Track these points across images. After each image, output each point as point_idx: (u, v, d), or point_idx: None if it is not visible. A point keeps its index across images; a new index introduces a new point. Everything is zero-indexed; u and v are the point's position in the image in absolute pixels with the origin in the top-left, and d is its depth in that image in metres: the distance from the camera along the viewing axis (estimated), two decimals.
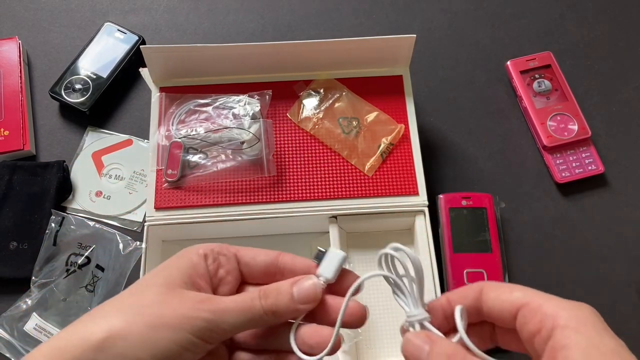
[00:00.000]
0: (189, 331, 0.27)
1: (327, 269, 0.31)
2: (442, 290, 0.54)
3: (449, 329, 0.30)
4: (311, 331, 0.31)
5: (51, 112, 0.68)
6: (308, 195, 0.56)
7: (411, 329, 0.30)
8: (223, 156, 0.57)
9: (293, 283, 0.31)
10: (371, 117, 0.59)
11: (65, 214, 0.61)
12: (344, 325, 0.31)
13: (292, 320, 0.32)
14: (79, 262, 0.58)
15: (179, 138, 0.57)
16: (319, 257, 0.31)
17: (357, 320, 0.31)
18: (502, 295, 0.28)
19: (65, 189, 0.63)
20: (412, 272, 0.30)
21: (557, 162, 0.64)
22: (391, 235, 0.60)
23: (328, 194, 0.56)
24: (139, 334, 0.27)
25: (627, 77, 0.70)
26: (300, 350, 0.31)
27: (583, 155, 0.65)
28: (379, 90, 0.61)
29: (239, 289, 0.33)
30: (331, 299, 0.31)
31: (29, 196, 0.61)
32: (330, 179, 0.57)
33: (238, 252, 0.32)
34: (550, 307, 0.25)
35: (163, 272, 0.30)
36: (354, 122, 0.59)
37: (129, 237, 0.61)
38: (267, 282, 0.32)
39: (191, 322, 0.27)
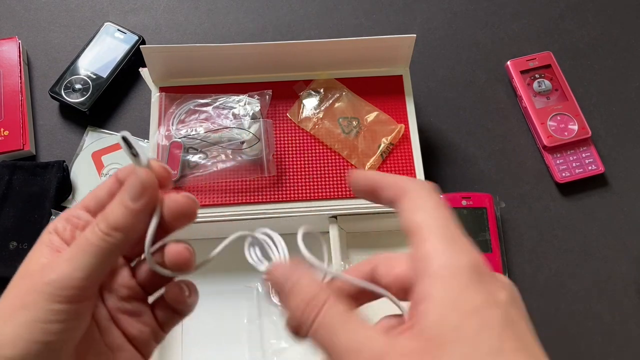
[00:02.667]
0: (41, 303, 0.25)
1: (141, 155, 0.27)
2: None
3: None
4: (168, 248, 0.28)
5: (51, 112, 0.68)
6: (308, 195, 0.56)
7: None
8: (223, 156, 0.57)
9: (123, 189, 0.27)
10: (371, 117, 0.59)
11: None
12: (176, 221, 0.28)
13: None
14: None
15: (179, 138, 0.57)
16: (133, 151, 0.27)
17: (186, 211, 0.28)
18: (408, 213, 0.25)
19: (65, 189, 0.63)
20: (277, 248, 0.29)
21: (557, 162, 0.64)
22: (391, 235, 0.60)
23: (328, 194, 0.56)
24: (2, 334, 0.25)
25: (627, 76, 0.70)
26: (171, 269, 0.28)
27: (583, 155, 0.65)
28: (379, 90, 0.61)
29: None
30: (170, 199, 0.28)
31: (29, 196, 0.61)
32: (330, 179, 0.57)
33: (82, 203, 0.30)
34: (432, 246, 0.23)
35: (22, 266, 0.28)
36: (354, 122, 0.59)
37: None
38: None
39: (38, 292, 0.25)
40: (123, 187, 0.27)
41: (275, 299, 0.27)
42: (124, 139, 0.26)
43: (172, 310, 0.31)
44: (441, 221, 0.24)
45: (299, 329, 0.24)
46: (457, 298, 0.21)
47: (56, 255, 0.27)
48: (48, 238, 0.28)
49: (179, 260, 0.28)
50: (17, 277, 0.27)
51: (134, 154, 0.27)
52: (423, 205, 0.25)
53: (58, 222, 0.29)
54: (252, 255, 0.30)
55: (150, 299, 0.31)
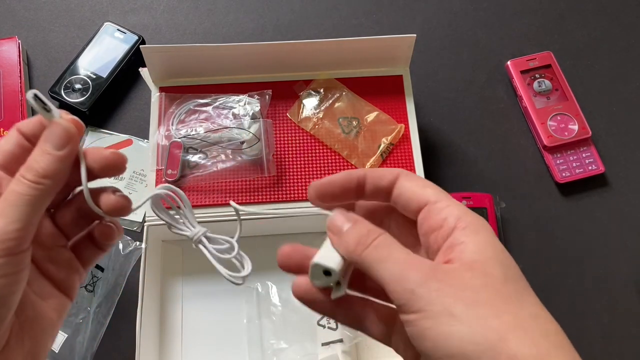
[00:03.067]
0: None
1: (53, 109, 0.28)
2: None
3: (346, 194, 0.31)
4: (108, 196, 0.30)
5: None
6: None
7: (200, 246, 0.33)
8: (223, 156, 0.57)
9: (43, 139, 0.28)
10: (371, 117, 0.59)
11: None
12: (104, 172, 0.30)
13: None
14: None
15: (179, 138, 0.57)
16: (46, 107, 0.28)
17: (112, 164, 0.30)
18: (415, 187, 0.29)
19: None
20: (183, 204, 0.33)
21: (558, 162, 0.64)
22: None
23: None
24: None
25: (627, 76, 0.70)
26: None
27: (583, 155, 0.64)
28: (379, 90, 0.61)
29: None
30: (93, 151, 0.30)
31: None
32: None
33: None
34: (456, 210, 0.27)
35: None
36: (354, 122, 0.59)
37: (128, 237, 0.60)
38: None
39: None
40: (43, 138, 0.28)
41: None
42: (35, 96, 0.27)
43: (96, 248, 0.33)
44: (446, 194, 0.28)
45: (355, 248, 0.27)
46: (488, 241, 0.26)
47: None
48: None
49: (118, 206, 0.30)
50: None
51: (47, 110, 0.28)
52: (425, 183, 0.29)
53: None
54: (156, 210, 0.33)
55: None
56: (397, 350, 0.29)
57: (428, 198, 0.28)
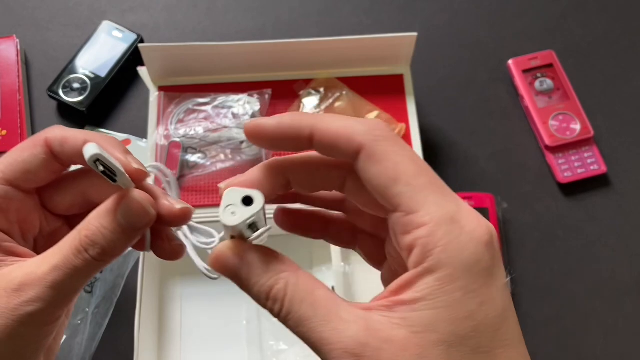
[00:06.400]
0: (12, 333, 0.22)
1: (119, 173, 0.23)
2: None
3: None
4: (166, 247, 0.28)
5: (49, 111, 0.68)
6: None
7: (180, 233, 0.28)
8: (222, 156, 0.56)
9: (116, 204, 0.24)
10: (372, 116, 0.59)
11: None
12: (170, 225, 0.27)
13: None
14: None
15: (178, 138, 0.57)
16: (116, 178, 0.23)
17: (180, 220, 0.26)
18: (382, 179, 0.21)
19: None
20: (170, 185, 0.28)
21: (559, 162, 0.64)
22: None
23: None
24: None
25: (629, 76, 0.70)
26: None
27: (585, 155, 0.64)
28: (380, 89, 0.60)
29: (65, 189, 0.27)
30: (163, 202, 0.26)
31: None
32: None
33: (8, 173, 0.26)
34: (432, 237, 0.20)
35: None
36: None
37: None
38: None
39: (9, 325, 0.22)
40: (117, 208, 0.24)
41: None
42: (98, 160, 0.21)
43: None
44: (426, 189, 0.22)
45: (267, 307, 0.23)
46: (455, 308, 0.20)
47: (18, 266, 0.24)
48: None
49: (172, 256, 0.28)
50: None
51: (114, 179, 0.23)
52: (395, 170, 0.22)
53: None
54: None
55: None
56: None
57: (398, 203, 0.21)
